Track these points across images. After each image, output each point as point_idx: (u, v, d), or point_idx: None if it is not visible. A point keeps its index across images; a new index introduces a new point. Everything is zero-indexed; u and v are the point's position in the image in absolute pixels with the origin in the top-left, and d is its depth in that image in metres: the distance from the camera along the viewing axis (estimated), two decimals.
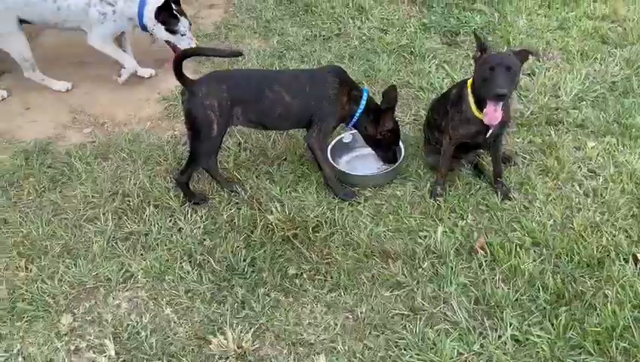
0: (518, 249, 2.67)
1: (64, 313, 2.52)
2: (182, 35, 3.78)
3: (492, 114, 2.59)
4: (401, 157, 3.13)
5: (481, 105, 2.67)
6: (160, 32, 3.77)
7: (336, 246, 2.75)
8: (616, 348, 2.22)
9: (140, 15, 3.72)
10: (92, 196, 3.10)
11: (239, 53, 3.07)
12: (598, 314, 2.36)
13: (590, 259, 2.60)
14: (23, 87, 4.04)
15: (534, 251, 2.68)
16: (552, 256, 2.64)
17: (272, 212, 2.89)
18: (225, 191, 3.06)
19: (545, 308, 2.41)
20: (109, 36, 3.83)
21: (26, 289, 2.62)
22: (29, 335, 2.44)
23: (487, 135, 2.78)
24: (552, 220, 2.82)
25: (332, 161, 3.12)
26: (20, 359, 2.36)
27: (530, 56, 2.69)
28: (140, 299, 2.58)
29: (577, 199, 2.93)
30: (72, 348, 2.39)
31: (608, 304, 2.38)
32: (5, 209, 3.03)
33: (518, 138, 3.36)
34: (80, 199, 3.09)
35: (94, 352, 2.37)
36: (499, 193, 2.97)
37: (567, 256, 2.64)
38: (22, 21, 3.70)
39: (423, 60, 4.05)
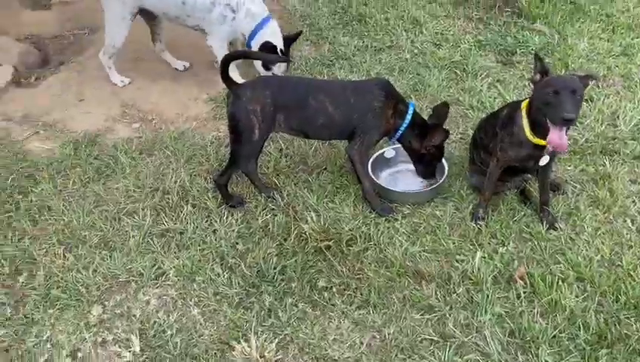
0: (560, 282, 2.54)
1: (95, 304, 2.56)
2: (272, 74, 3.71)
3: (557, 140, 2.47)
4: (444, 175, 3.05)
5: (536, 129, 2.57)
6: (257, 61, 3.75)
7: (369, 263, 2.69)
8: None
9: (252, 35, 3.65)
10: (133, 190, 3.15)
11: (286, 59, 3.07)
12: None
13: (638, 300, 2.44)
14: (79, 79, 4.17)
15: (577, 287, 2.54)
16: (597, 293, 2.50)
17: (307, 221, 2.86)
18: (262, 196, 3.05)
19: (584, 348, 2.28)
20: (225, 39, 3.80)
21: (61, 277, 2.67)
22: (60, 322, 2.49)
23: (540, 161, 2.67)
24: (599, 255, 2.67)
25: (372, 175, 3.07)
26: (49, 345, 2.41)
27: (590, 81, 2.56)
28: (169, 298, 2.59)
29: (629, 235, 2.76)
30: (99, 339, 2.43)
31: None
32: (50, 196, 3.11)
33: (569, 166, 3.21)
34: (122, 192, 3.14)
35: (120, 346, 2.39)
36: (544, 222, 2.84)
37: (612, 295, 2.49)
38: (141, 11, 3.79)
39: (475, 78, 3.94)
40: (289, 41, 3.63)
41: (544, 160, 2.66)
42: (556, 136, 2.47)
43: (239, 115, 2.75)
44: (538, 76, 2.53)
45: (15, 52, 4.40)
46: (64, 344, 2.40)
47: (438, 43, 4.36)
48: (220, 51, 3.76)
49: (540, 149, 2.62)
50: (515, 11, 4.56)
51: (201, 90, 4.03)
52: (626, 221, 2.85)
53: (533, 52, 4.14)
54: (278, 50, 3.54)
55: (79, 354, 2.37)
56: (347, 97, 2.85)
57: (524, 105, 2.62)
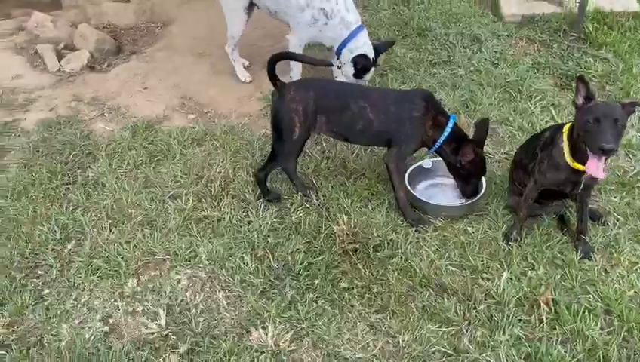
0: (586, 313, 2.48)
1: (131, 277, 2.74)
2: (364, 81, 3.73)
3: (594, 169, 2.43)
4: (481, 193, 3.03)
5: (576, 154, 2.53)
6: (348, 70, 3.68)
7: (393, 270, 2.73)
8: None
9: (344, 44, 3.64)
10: (180, 176, 3.33)
11: (330, 64, 3.16)
12: None
13: None
14: (147, 68, 4.43)
15: (604, 319, 2.48)
16: (623, 329, 2.42)
17: (338, 223, 2.93)
18: (298, 194, 3.15)
19: None
20: (305, 40, 3.83)
21: (104, 248, 2.87)
22: (97, 289, 2.68)
23: (579, 187, 2.63)
24: (632, 291, 2.58)
25: (409, 185, 3.10)
26: (85, 309, 2.60)
27: (635, 108, 2.49)
28: (199, 279, 2.73)
29: None
30: (130, 309, 2.59)
31: None
32: (105, 174, 3.34)
33: (615, 197, 3.12)
34: (169, 177, 3.33)
35: (147, 318, 2.55)
36: (579, 250, 2.77)
37: None
38: (252, 4, 3.94)
39: (529, 100, 3.89)
40: (381, 49, 3.72)
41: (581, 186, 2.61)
42: (594, 165, 2.43)
43: (281, 113, 2.86)
44: (581, 100, 2.49)
45: (93, 39, 4.73)
46: (98, 309, 2.59)
47: (495, 62, 4.32)
48: (296, 50, 3.82)
49: (579, 174, 2.58)
50: (581, 36, 4.45)
51: (257, 88, 4.19)
52: None
53: (595, 79, 4.08)
54: (371, 60, 3.63)
55: (110, 320, 2.55)
56: (387, 105, 2.91)
57: (566, 128, 2.59)
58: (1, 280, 2.69)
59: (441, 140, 2.92)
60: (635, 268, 2.70)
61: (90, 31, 4.82)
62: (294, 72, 3.94)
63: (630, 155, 3.40)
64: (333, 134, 3.07)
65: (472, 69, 4.26)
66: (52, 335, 2.48)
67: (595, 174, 2.45)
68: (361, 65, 3.62)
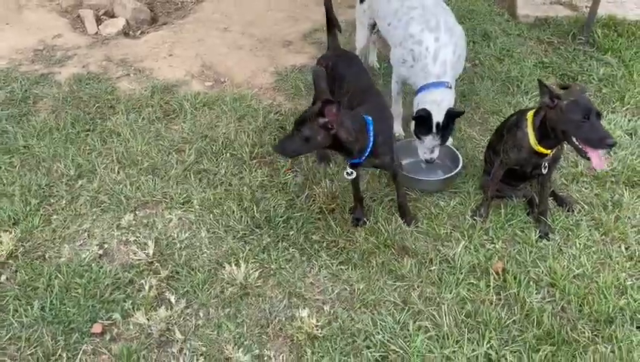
0: (530, 283, 2.68)
1: (129, 212, 3.08)
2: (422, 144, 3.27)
3: (598, 162, 2.62)
4: (456, 171, 3.25)
5: (543, 140, 2.72)
6: (412, 124, 3.34)
7: (363, 229, 2.99)
8: None
9: (418, 91, 3.28)
10: (187, 133, 3.66)
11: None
12: None
13: (600, 315, 2.53)
14: (174, 38, 4.80)
15: (547, 291, 2.68)
16: (563, 300, 2.62)
17: (320, 186, 3.20)
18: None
19: (529, 341, 2.43)
20: (400, 80, 3.55)
21: (110, 187, 3.23)
22: (98, 220, 3.04)
23: (541, 169, 2.83)
24: (580, 269, 2.76)
25: None
26: (85, 235, 2.96)
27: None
28: (187, 220, 3.05)
29: (617, 259, 2.82)
30: (124, 239, 2.94)
31: (598, 359, 2.34)
32: (121, 125, 3.71)
33: (586, 188, 3.28)
34: (178, 133, 3.67)
35: (138, 248, 2.88)
36: (538, 230, 2.97)
37: (578, 305, 2.60)
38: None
39: (525, 95, 4.06)
40: (453, 115, 3.17)
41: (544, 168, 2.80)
42: (597, 158, 2.61)
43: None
44: (547, 99, 2.65)
45: (130, 8, 5.12)
46: (97, 236, 2.94)
47: (501, 58, 4.49)
48: (393, 85, 3.62)
49: (540, 157, 2.77)
50: (589, 41, 4.57)
51: (271, 63, 4.49)
52: (620, 247, 2.90)
53: (594, 81, 4.21)
54: (434, 122, 3.12)
55: (105, 246, 2.89)
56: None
57: (529, 115, 2.77)
58: (18, 204, 3.07)
59: None
60: (587, 251, 2.87)
61: (129, 1, 5.21)
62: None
63: (611, 153, 3.54)
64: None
65: (477, 62, 4.45)
66: (54, 252, 2.85)
67: (600, 167, 2.65)
68: (419, 122, 3.18)
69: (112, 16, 5.16)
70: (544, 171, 2.85)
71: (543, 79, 4.09)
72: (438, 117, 3.12)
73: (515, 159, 2.85)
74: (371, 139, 2.70)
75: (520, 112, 2.93)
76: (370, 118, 2.73)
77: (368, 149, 2.72)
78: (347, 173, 2.82)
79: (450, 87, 3.25)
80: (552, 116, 2.66)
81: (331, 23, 3.44)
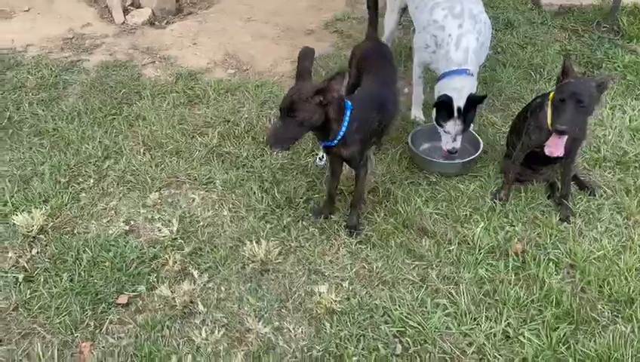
0: (550, 263, 2.69)
1: (154, 191, 3.16)
2: (444, 132, 3.26)
3: (553, 146, 2.66)
4: (476, 155, 3.26)
5: None
6: (433, 111, 3.31)
7: (382, 211, 3.02)
8: None
9: (439, 78, 3.32)
10: (211, 118, 3.73)
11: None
12: (599, 342, 2.32)
13: (621, 295, 2.52)
14: (199, 28, 4.89)
15: (567, 272, 2.68)
16: (583, 281, 2.61)
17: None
18: (311, 143, 3.47)
19: (548, 319, 2.43)
20: (421, 64, 3.60)
21: (137, 168, 3.31)
22: (125, 198, 3.13)
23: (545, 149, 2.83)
24: (601, 252, 2.75)
25: (412, 145, 3.35)
26: (112, 212, 3.04)
27: (609, 84, 2.66)
28: (210, 200, 3.12)
29: (639, 242, 2.80)
30: (149, 216, 3.01)
31: (618, 337, 2.33)
32: (147, 109, 3.80)
33: (609, 173, 3.26)
34: (201, 117, 3.74)
35: (162, 225, 2.95)
36: (559, 213, 2.96)
37: (598, 286, 2.59)
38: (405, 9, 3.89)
39: (548, 82, 4.04)
40: (474, 101, 3.16)
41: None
42: (552, 142, 2.64)
43: None
44: (562, 76, 2.66)
45: None
46: (123, 213, 3.03)
47: (524, 46, 4.48)
48: (415, 70, 3.65)
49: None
50: (614, 28, 4.52)
51: (293, 51, 4.53)
52: None
53: (619, 68, 4.17)
54: (455, 107, 3.12)
55: (132, 223, 2.98)
56: None
57: (551, 95, 2.78)
58: (48, 182, 3.18)
59: None
60: (609, 234, 2.86)
61: None
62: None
63: (635, 139, 3.51)
64: None
65: (499, 49, 4.44)
66: (82, 228, 2.94)
67: (552, 151, 2.65)
68: (440, 107, 3.19)
69: (139, 6, 5.26)
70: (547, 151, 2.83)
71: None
72: (459, 102, 3.12)
73: (537, 140, 2.85)
74: (346, 122, 2.61)
75: (544, 95, 2.93)
76: (349, 104, 2.65)
77: (341, 132, 2.63)
78: (319, 158, 2.76)
79: (472, 75, 3.24)
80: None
81: (374, 14, 3.40)
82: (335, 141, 2.63)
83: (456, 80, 3.18)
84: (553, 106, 2.65)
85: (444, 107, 3.16)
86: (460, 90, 3.13)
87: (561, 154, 2.67)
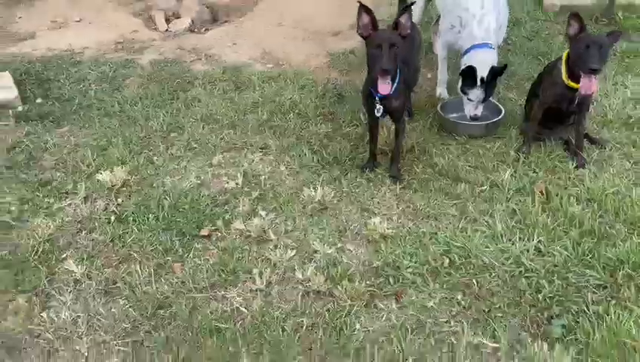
0: (571, 198, 3.09)
1: (217, 154, 3.59)
2: (468, 99, 3.70)
3: (587, 85, 3.10)
4: (499, 117, 3.70)
5: (572, 76, 3.18)
6: (460, 82, 3.71)
7: (420, 164, 3.44)
8: (621, 272, 2.58)
9: (463, 53, 3.75)
10: (258, 99, 4.20)
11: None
12: (619, 251, 2.71)
13: (634, 218, 2.92)
14: (236, 32, 5.41)
15: (586, 204, 3.08)
16: (601, 210, 3.01)
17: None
18: (353, 112, 3.92)
19: (573, 237, 2.82)
20: (445, 46, 4.05)
21: (198, 138, 3.75)
22: (193, 160, 3.55)
23: (574, 104, 3.27)
24: (615, 188, 3.16)
25: (442, 113, 3.81)
26: (183, 171, 3.46)
27: (618, 38, 3.14)
28: (268, 160, 3.54)
29: None
30: (216, 173, 3.44)
31: (635, 246, 2.72)
32: (201, 94, 4.27)
33: (616, 132, 3.70)
34: (249, 99, 4.21)
35: (228, 179, 3.37)
36: (575, 161, 3.38)
37: (614, 213, 2.99)
38: None
39: None
40: (496, 72, 3.55)
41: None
42: (586, 83, 3.08)
43: None
44: (573, 32, 3.14)
45: (194, 10, 5.79)
46: (192, 172, 3.45)
47: (531, 38, 4.99)
48: (440, 52, 4.16)
49: (573, 91, 3.22)
50: (611, 23, 5.04)
51: (324, 48, 5.05)
52: None
53: (618, 53, 4.66)
54: (478, 77, 3.53)
55: (202, 177, 3.39)
56: None
57: (565, 54, 3.24)
58: (123, 150, 3.61)
59: None
60: (620, 176, 3.27)
61: (194, 4, 5.88)
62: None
63: (637, 107, 3.97)
64: None
65: (509, 42, 4.95)
66: (159, 183, 3.35)
67: (587, 90, 3.10)
68: (465, 76, 3.59)
69: (179, 17, 5.82)
70: (577, 106, 3.29)
71: None
72: (482, 72, 3.55)
73: (552, 95, 3.30)
74: (397, 75, 3.09)
75: (559, 58, 3.39)
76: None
77: (395, 84, 3.07)
78: (377, 110, 3.18)
79: (493, 48, 3.72)
80: (572, 48, 3.14)
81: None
82: (392, 89, 3.07)
83: (480, 52, 3.63)
84: (575, 59, 3.10)
85: (468, 76, 3.61)
86: (483, 62, 3.55)
87: (596, 92, 3.10)
